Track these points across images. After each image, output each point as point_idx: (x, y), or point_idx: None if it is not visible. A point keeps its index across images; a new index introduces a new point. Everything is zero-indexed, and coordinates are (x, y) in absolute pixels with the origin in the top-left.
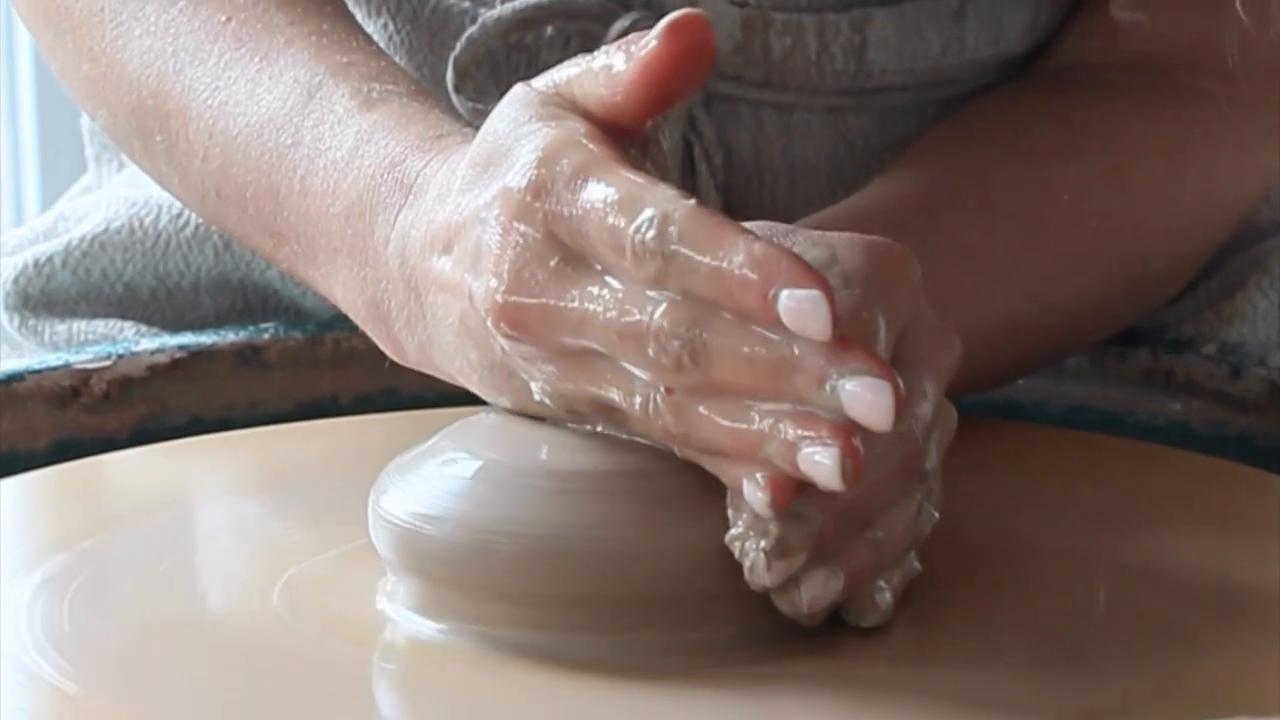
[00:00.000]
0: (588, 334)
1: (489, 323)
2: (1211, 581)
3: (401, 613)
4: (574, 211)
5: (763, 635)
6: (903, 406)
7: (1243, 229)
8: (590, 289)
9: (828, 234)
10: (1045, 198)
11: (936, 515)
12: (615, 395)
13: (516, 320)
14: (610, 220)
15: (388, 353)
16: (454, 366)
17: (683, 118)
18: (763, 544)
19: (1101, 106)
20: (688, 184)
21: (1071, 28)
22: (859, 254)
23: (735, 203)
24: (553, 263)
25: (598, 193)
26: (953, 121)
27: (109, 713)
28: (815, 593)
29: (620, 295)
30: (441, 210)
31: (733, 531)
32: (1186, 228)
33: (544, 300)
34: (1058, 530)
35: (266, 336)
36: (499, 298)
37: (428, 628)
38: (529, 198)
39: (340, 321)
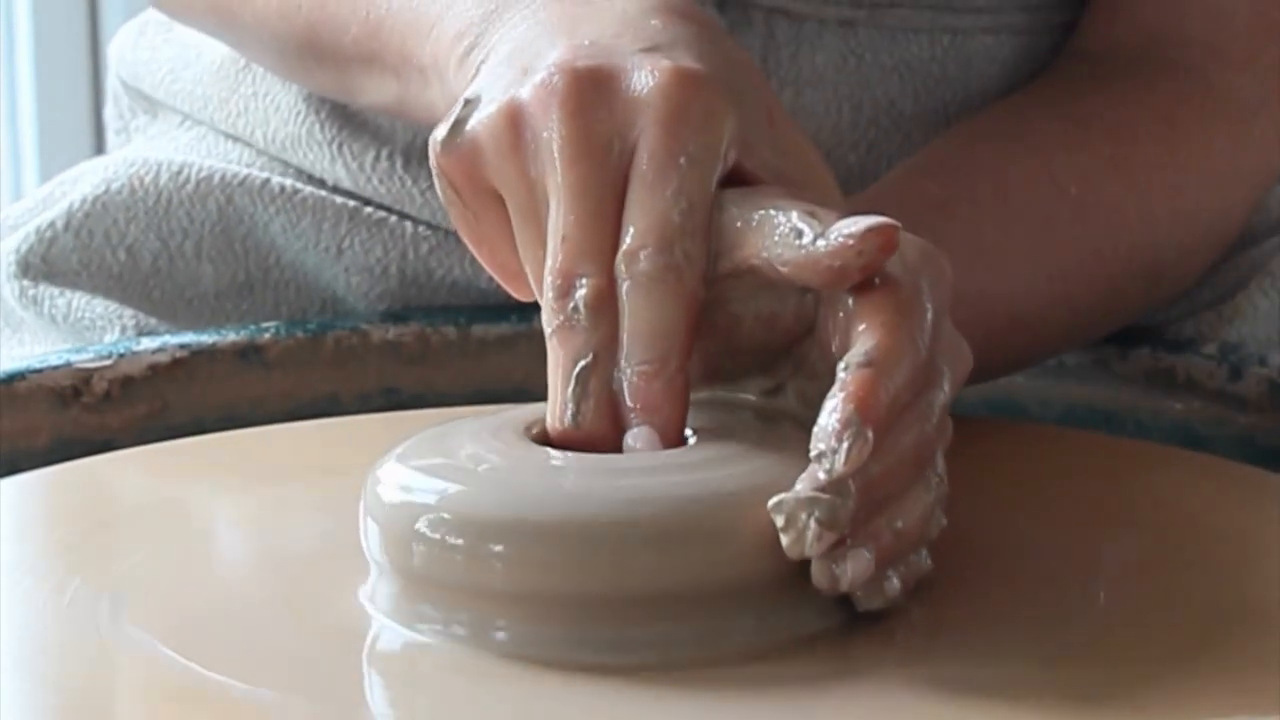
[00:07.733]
0: None
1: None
2: (1212, 581)
3: (391, 613)
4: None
5: (768, 633)
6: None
7: (1243, 231)
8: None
9: None
10: (1055, 192)
11: (944, 521)
12: None
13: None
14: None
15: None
16: None
17: None
18: (816, 514)
19: (1099, 96)
20: None
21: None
22: (913, 248)
23: None
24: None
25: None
26: (967, 122)
27: (108, 709)
28: (859, 569)
29: None
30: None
31: (782, 498)
32: (1192, 209)
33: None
34: (1058, 529)
35: (267, 336)
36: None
37: (417, 629)
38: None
39: (341, 320)
